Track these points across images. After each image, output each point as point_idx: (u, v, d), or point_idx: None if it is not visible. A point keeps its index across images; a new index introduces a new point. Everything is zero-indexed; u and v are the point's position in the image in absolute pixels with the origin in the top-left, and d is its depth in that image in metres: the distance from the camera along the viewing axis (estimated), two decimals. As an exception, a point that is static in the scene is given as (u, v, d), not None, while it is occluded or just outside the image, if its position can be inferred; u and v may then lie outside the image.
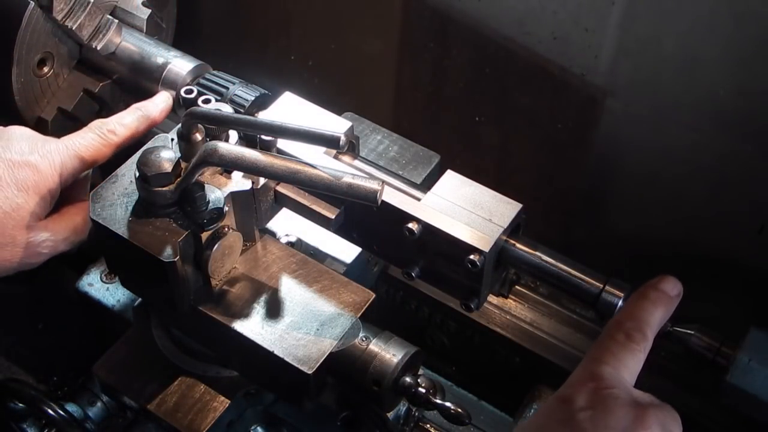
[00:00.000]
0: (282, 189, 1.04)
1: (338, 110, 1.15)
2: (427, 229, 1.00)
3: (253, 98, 1.20)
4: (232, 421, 1.12)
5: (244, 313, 1.00)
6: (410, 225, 1.00)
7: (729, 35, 1.09)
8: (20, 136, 1.10)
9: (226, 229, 0.98)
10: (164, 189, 0.95)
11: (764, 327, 0.97)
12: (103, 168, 1.13)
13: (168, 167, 0.95)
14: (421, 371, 1.03)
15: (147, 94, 1.24)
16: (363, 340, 0.99)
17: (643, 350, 0.91)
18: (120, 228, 0.96)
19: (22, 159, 1.07)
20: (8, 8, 1.21)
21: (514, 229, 1.02)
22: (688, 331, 0.98)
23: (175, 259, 0.94)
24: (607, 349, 0.91)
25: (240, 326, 0.99)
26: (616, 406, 0.85)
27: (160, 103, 1.19)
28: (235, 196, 0.99)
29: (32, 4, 1.21)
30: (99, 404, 1.23)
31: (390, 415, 1.09)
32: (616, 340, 0.91)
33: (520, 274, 1.37)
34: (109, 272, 1.33)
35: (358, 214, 1.04)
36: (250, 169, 0.93)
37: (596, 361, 0.90)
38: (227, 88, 1.21)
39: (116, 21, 1.28)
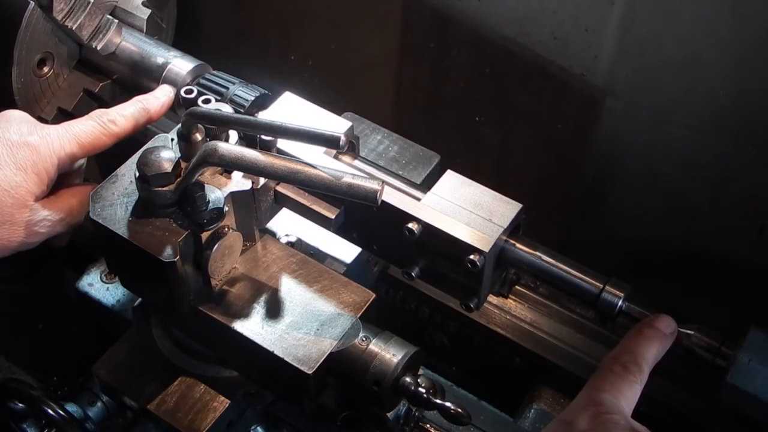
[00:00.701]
0: (282, 189, 1.04)
1: (338, 110, 1.15)
2: (427, 229, 1.00)
3: (253, 98, 1.20)
4: (232, 421, 1.12)
5: (244, 313, 1.00)
6: (410, 225, 1.00)
7: (729, 35, 1.09)
8: (19, 118, 1.11)
9: (226, 229, 0.98)
10: (164, 189, 0.95)
11: (764, 327, 0.97)
12: (103, 168, 1.13)
13: (168, 167, 0.95)
14: (421, 371, 1.03)
15: (147, 94, 1.24)
16: (363, 340, 0.99)
17: (639, 382, 0.94)
18: (120, 228, 0.96)
19: (21, 140, 1.08)
20: (8, 8, 1.21)
21: (514, 229, 1.02)
22: (688, 331, 0.98)
23: (175, 259, 0.93)
24: (605, 379, 0.93)
25: (240, 326, 0.99)
26: (615, 430, 0.87)
27: (161, 96, 1.19)
28: (235, 196, 0.99)
29: (32, 4, 1.21)
30: (99, 404, 1.22)
31: (390, 415, 1.08)
32: (613, 371, 0.94)
33: (520, 274, 1.37)
34: (109, 272, 1.33)
35: (358, 214, 1.04)
36: (250, 169, 0.93)
37: (596, 389, 0.93)
38: (227, 88, 1.21)
39: (116, 21, 1.29)
